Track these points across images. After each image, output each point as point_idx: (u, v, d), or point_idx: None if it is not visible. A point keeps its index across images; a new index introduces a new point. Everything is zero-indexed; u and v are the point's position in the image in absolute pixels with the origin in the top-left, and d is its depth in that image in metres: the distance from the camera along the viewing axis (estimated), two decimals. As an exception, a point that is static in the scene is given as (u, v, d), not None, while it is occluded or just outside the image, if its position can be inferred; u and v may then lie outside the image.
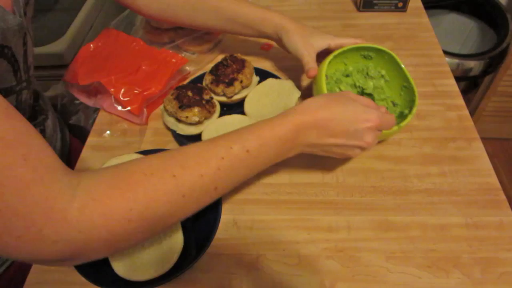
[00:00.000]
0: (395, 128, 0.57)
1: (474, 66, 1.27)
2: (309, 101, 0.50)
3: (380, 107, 0.54)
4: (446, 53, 1.25)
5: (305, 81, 0.77)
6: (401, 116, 0.63)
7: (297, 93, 0.68)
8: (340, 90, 0.69)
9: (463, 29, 1.50)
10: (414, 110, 0.59)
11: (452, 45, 1.51)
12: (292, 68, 0.80)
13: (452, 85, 0.74)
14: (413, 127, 0.67)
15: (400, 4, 0.89)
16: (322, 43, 0.66)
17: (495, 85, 1.53)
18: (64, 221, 0.33)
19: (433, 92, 0.73)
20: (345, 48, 0.64)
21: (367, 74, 0.68)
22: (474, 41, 1.48)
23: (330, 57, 0.63)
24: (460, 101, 0.71)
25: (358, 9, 0.92)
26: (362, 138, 0.50)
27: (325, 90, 0.59)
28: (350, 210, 0.58)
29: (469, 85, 1.52)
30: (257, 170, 0.48)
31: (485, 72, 1.30)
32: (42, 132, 0.65)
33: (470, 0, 1.43)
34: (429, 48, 0.81)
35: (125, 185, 0.37)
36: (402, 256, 0.53)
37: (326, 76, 0.66)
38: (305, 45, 0.65)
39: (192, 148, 0.44)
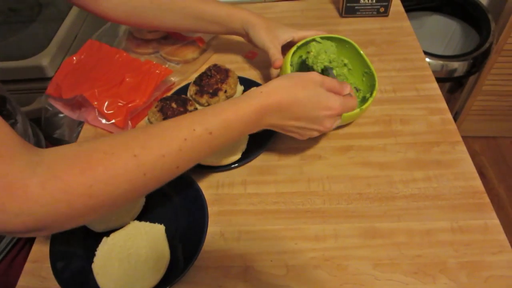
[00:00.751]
0: (357, 110, 0.61)
1: (459, 66, 1.28)
2: (274, 82, 0.51)
3: (345, 86, 0.55)
4: (431, 54, 1.27)
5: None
6: (363, 101, 0.67)
7: (282, 102, 0.68)
8: None
9: (446, 31, 1.51)
10: (375, 93, 0.64)
11: (435, 47, 1.53)
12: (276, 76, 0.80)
13: (434, 89, 0.74)
14: (397, 132, 0.68)
15: (382, 9, 0.89)
16: (286, 35, 0.71)
17: (480, 85, 1.55)
18: (25, 196, 0.34)
19: (416, 97, 0.73)
20: (308, 39, 0.68)
21: (330, 63, 0.70)
22: (458, 42, 1.50)
23: (294, 47, 0.68)
24: (443, 104, 0.71)
25: (341, 15, 0.92)
26: (321, 123, 0.53)
27: None
28: (337, 218, 0.58)
29: (454, 85, 1.54)
30: (219, 148, 0.49)
31: (469, 72, 1.32)
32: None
33: (452, 2, 1.44)
34: (411, 52, 0.82)
35: (86, 163, 0.38)
36: (389, 263, 0.53)
37: (291, 64, 0.70)
38: (271, 38, 0.70)
39: (154, 128, 0.44)
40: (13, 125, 0.65)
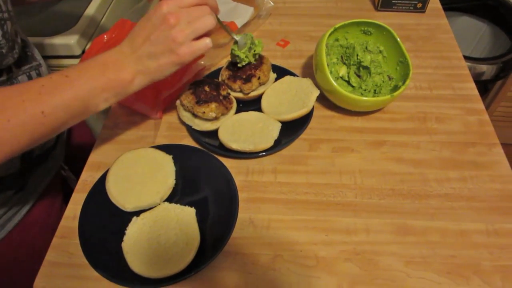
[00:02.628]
0: (388, 97, 0.63)
1: (487, 70, 1.26)
2: None
3: None
4: (459, 55, 1.24)
5: (322, 80, 0.76)
6: (396, 89, 0.67)
7: (316, 92, 0.67)
8: (338, 59, 0.75)
9: (475, 32, 1.48)
10: (408, 82, 0.64)
11: (463, 48, 1.50)
12: (308, 66, 0.79)
13: (471, 89, 0.73)
14: (432, 130, 0.66)
15: (419, 5, 0.87)
16: None
17: (505, 90, 1.52)
18: None
19: (452, 96, 0.72)
20: (346, 22, 0.70)
21: (366, 48, 0.71)
22: (486, 44, 1.47)
23: (332, 29, 0.68)
24: (480, 105, 0.70)
25: (376, 9, 0.90)
26: (160, 19, 0.49)
27: (324, 58, 0.64)
28: (369, 213, 0.57)
29: (479, 89, 1.51)
30: (88, 91, 0.48)
31: (497, 76, 1.29)
32: (38, 76, 0.66)
33: (484, 3, 1.41)
34: (448, 50, 0.80)
35: None
36: (421, 261, 0.52)
37: (326, 45, 0.72)
38: None
39: (20, 83, 0.48)
40: (38, 67, 0.66)
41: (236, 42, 0.65)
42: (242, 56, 0.66)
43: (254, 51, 0.67)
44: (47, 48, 0.96)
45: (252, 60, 0.67)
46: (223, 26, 0.60)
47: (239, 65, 0.67)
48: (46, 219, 0.69)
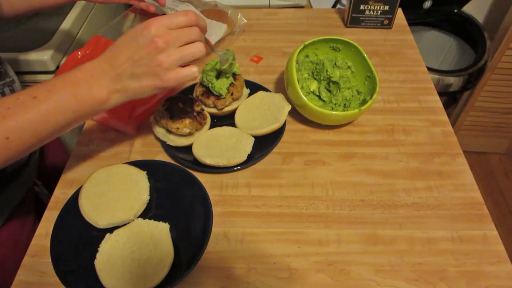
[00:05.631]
0: (356, 110, 0.65)
1: (454, 82, 1.31)
2: None
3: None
4: (428, 69, 1.29)
5: (294, 94, 0.78)
6: (364, 103, 0.69)
7: (288, 107, 0.69)
8: (309, 74, 0.77)
9: (443, 46, 1.55)
10: (375, 96, 0.67)
11: (432, 61, 1.56)
12: (281, 81, 0.81)
13: (436, 101, 0.76)
14: (399, 142, 0.69)
15: (386, 21, 0.91)
16: None
17: (473, 101, 1.59)
18: None
19: (418, 108, 0.75)
20: (315, 39, 0.73)
21: (335, 64, 0.74)
22: (453, 57, 1.53)
23: (301, 46, 0.71)
24: (444, 117, 0.73)
25: (346, 25, 0.94)
26: (147, 40, 0.46)
27: (294, 74, 0.66)
28: (340, 224, 0.59)
29: (449, 100, 1.57)
30: (57, 116, 0.46)
31: (464, 87, 1.34)
32: (12, 92, 0.65)
33: (449, 18, 1.48)
34: (413, 64, 0.84)
35: None
36: (390, 270, 0.54)
37: (297, 61, 0.74)
38: None
39: None
40: (11, 83, 0.65)
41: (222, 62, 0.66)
42: (228, 71, 0.67)
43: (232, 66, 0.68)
44: (21, 64, 0.95)
45: (234, 71, 0.69)
46: (210, 46, 0.60)
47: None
48: (18, 237, 0.68)
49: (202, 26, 0.51)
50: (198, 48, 0.49)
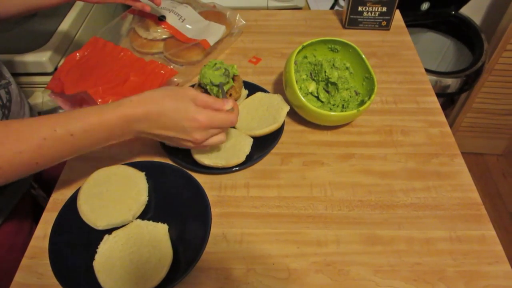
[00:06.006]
0: (354, 111, 0.65)
1: (452, 83, 1.32)
2: (147, 92, 0.52)
3: (225, 102, 0.56)
4: (426, 70, 1.30)
5: (292, 95, 0.79)
6: (362, 103, 0.69)
7: (286, 107, 0.69)
8: (307, 75, 0.78)
9: (440, 48, 1.55)
10: (373, 97, 0.67)
11: (429, 63, 1.57)
12: (280, 82, 0.81)
13: (433, 102, 0.76)
14: (397, 142, 0.69)
15: (384, 23, 0.92)
16: None
17: (470, 102, 1.59)
18: None
19: (416, 109, 0.75)
20: (313, 40, 0.73)
21: (333, 65, 0.74)
22: (451, 59, 1.54)
23: (300, 47, 0.71)
24: (442, 118, 0.73)
25: (344, 27, 0.94)
26: (190, 134, 0.53)
27: (292, 75, 0.67)
28: (339, 224, 0.59)
29: (447, 101, 1.58)
30: (86, 149, 0.51)
31: (461, 89, 1.35)
32: (8, 94, 0.66)
33: (447, 20, 1.48)
34: (411, 66, 0.84)
35: None
36: (389, 270, 0.54)
37: (295, 62, 0.74)
38: None
39: (15, 124, 0.46)
40: (7, 85, 0.66)
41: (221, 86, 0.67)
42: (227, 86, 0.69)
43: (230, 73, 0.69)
44: (18, 65, 0.95)
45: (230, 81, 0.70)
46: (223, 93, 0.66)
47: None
48: (15, 239, 0.68)
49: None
50: (220, 141, 0.57)
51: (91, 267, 0.52)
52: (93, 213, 0.57)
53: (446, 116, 0.74)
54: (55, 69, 0.97)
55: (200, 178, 0.63)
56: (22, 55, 0.94)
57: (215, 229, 0.58)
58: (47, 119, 0.47)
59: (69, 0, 0.74)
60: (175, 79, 0.80)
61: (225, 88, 0.68)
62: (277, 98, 0.71)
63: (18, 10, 0.72)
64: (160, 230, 0.56)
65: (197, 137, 0.53)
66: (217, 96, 0.68)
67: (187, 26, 0.87)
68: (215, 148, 0.65)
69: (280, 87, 0.80)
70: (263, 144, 0.67)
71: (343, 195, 0.62)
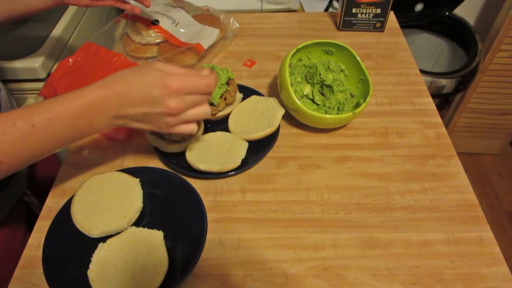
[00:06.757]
0: (349, 114, 0.65)
1: (447, 84, 1.32)
2: (110, 75, 0.48)
3: (203, 71, 0.51)
4: (421, 71, 1.30)
5: (288, 98, 0.78)
6: (357, 106, 0.69)
7: (281, 111, 0.68)
8: (302, 78, 0.77)
9: (435, 48, 1.56)
10: (368, 99, 0.67)
11: (424, 63, 1.57)
12: (275, 85, 0.81)
13: (429, 104, 0.76)
14: (393, 144, 0.69)
15: (378, 24, 0.91)
16: None
17: (465, 102, 1.60)
18: None
19: (411, 110, 0.75)
20: (308, 43, 0.73)
21: (328, 67, 0.74)
22: (445, 59, 1.55)
23: (294, 49, 0.71)
24: (438, 119, 0.73)
25: (338, 28, 0.94)
26: (163, 104, 0.48)
27: (287, 78, 0.66)
28: (336, 228, 0.58)
29: (442, 102, 1.58)
30: (52, 145, 0.47)
31: (456, 89, 1.35)
32: None
33: (441, 21, 1.49)
34: (406, 67, 0.84)
35: None
36: (387, 273, 0.53)
37: (290, 65, 0.74)
38: None
39: None
40: None
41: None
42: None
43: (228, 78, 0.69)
44: (10, 71, 0.94)
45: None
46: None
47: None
48: (8, 249, 0.67)
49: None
50: (204, 112, 0.52)
51: (86, 276, 0.51)
52: (87, 221, 0.56)
53: (442, 116, 0.74)
54: (48, 75, 0.96)
55: (195, 183, 0.62)
56: (14, 61, 0.93)
57: (211, 235, 0.57)
58: (7, 113, 0.44)
59: (54, 5, 0.72)
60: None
61: (220, 92, 0.68)
62: (272, 101, 0.71)
63: (6, 17, 0.71)
64: (155, 237, 0.55)
65: (172, 105, 0.48)
66: (211, 104, 0.68)
67: (181, 30, 0.86)
68: (201, 144, 0.64)
69: (275, 90, 0.79)
70: (258, 148, 0.66)
71: (340, 198, 0.62)
